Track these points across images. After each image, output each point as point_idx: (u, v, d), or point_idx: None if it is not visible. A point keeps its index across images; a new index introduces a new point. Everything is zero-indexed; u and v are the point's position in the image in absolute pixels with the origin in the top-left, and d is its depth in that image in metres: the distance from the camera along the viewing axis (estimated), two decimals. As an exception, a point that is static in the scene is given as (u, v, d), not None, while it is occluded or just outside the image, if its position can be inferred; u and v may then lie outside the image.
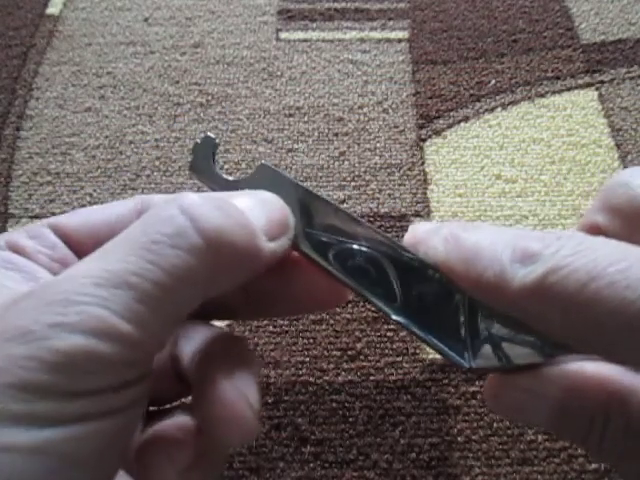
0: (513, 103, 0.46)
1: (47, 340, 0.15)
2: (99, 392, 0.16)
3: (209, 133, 0.22)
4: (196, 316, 0.23)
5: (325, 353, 0.35)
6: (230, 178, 0.22)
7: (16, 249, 0.20)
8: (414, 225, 0.21)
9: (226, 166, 0.43)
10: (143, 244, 0.17)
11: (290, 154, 0.44)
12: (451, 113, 0.46)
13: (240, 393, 0.19)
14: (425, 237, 0.20)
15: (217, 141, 0.22)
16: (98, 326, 0.16)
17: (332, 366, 0.35)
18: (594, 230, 0.20)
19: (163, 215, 0.18)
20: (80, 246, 0.21)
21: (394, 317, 0.20)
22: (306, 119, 0.46)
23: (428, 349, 0.35)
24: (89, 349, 0.16)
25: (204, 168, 0.22)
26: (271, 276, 0.21)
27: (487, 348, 0.19)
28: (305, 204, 0.21)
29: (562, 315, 0.16)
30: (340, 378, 0.34)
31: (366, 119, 0.45)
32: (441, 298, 0.19)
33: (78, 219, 0.22)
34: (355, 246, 0.21)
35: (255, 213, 0.19)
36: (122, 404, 0.17)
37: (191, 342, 0.22)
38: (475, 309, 0.19)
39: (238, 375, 0.20)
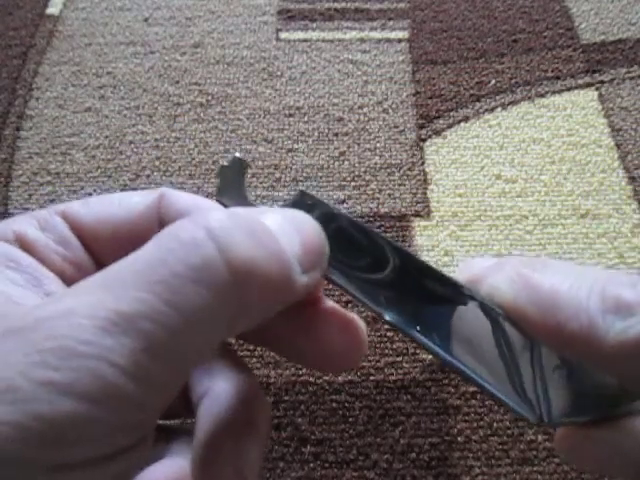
0: (513, 103, 0.46)
1: (33, 403, 0.13)
2: (87, 464, 0.13)
3: (237, 154, 0.20)
4: None
5: (325, 353, 0.35)
6: (265, 207, 0.19)
7: (24, 243, 0.18)
8: (468, 261, 0.19)
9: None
10: (162, 277, 0.14)
11: (290, 154, 0.44)
12: (451, 113, 0.46)
13: None
14: (485, 274, 0.18)
15: (247, 162, 0.19)
16: (97, 387, 0.13)
17: (332, 366, 0.35)
18: None
19: (187, 239, 0.14)
20: (95, 245, 0.19)
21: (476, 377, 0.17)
22: (306, 119, 0.46)
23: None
24: (82, 416, 0.13)
25: (234, 195, 0.19)
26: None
27: (560, 399, 0.17)
28: (348, 236, 0.18)
29: None
30: (340, 378, 0.34)
31: (366, 119, 0.45)
32: (507, 345, 0.17)
33: (93, 213, 0.19)
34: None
35: (288, 238, 0.16)
36: (114, 472, 0.14)
37: (206, 381, 0.19)
38: (544, 357, 0.17)
39: (245, 458, 0.17)
